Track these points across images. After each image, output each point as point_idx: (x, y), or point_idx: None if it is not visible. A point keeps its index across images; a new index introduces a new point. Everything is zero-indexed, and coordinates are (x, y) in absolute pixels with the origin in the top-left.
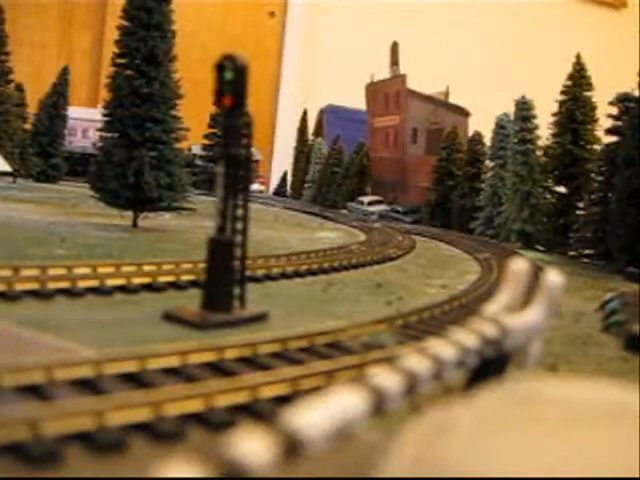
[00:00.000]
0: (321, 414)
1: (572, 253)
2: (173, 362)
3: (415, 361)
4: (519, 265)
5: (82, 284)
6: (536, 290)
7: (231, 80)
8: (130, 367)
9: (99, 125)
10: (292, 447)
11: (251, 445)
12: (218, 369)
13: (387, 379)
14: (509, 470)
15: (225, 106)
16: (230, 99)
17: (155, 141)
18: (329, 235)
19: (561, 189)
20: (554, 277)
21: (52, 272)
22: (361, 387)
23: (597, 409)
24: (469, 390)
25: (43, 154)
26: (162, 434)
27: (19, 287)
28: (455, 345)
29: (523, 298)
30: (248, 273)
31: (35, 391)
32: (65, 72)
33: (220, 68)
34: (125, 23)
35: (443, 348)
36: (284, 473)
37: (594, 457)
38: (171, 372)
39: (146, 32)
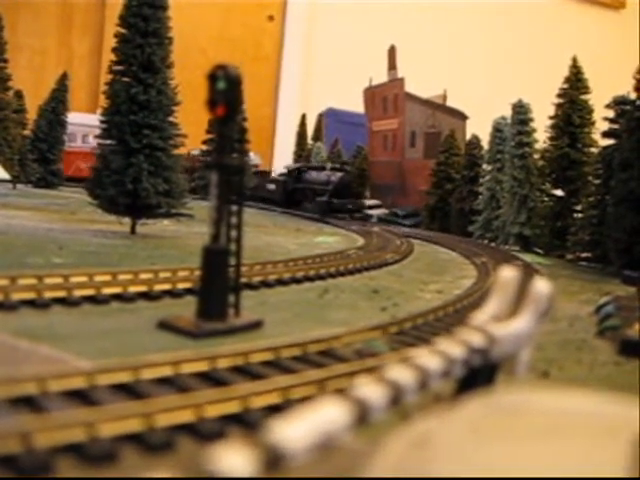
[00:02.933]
0: (303, 426)
1: (570, 256)
2: (166, 372)
3: (400, 371)
4: (507, 273)
5: (78, 293)
6: (525, 298)
7: (224, 90)
8: (123, 377)
9: (98, 131)
10: (274, 460)
11: (232, 458)
12: (210, 379)
13: (371, 390)
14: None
15: (218, 116)
16: (223, 109)
17: (152, 148)
18: (327, 240)
19: (559, 192)
20: (543, 285)
21: (49, 281)
22: (344, 399)
23: (582, 420)
24: (457, 400)
25: (43, 160)
26: (153, 445)
27: (16, 297)
28: (441, 355)
29: (512, 306)
30: (244, 280)
31: (28, 402)
32: (64, 78)
33: (213, 78)
34: (122, 30)
35: (428, 358)
36: None
37: (578, 468)
38: (164, 382)
39: (143, 39)
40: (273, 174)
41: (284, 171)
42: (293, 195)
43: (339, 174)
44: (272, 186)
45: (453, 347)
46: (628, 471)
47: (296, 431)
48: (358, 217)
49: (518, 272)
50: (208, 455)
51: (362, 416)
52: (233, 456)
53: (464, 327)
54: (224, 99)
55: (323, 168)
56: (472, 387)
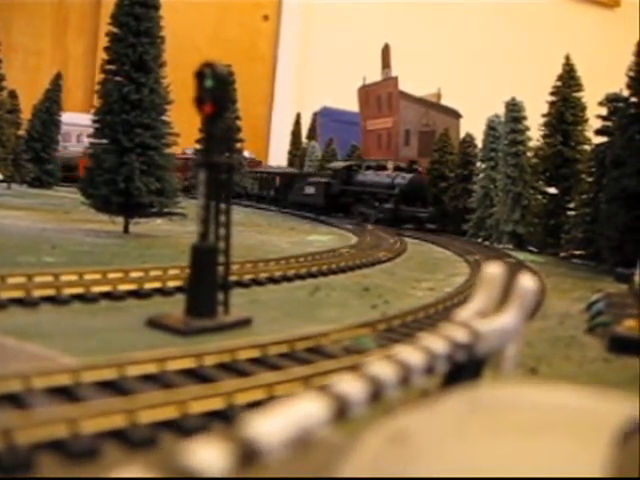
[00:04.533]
0: (280, 421)
1: (563, 254)
2: (151, 369)
3: (380, 367)
4: (492, 269)
5: (68, 291)
6: (510, 294)
7: (211, 88)
8: (108, 375)
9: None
10: (249, 455)
11: (206, 453)
12: (196, 376)
13: (350, 385)
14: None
15: (206, 114)
16: (210, 107)
17: (145, 147)
18: (321, 238)
19: (552, 190)
20: (527, 281)
21: (38, 279)
22: (323, 394)
23: (560, 416)
24: (440, 395)
25: (37, 160)
26: (135, 441)
27: (5, 295)
28: (423, 350)
29: (497, 302)
30: (236, 278)
31: (13, 400)
32: (58, 78)
33: (200, 76)
34: (114, 30)
35: (410, 353)
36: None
37: (561, 466)
38: (149, 379)
39: (135, 39)
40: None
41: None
42: (338, 199)
43: (407, 175)
44: (310, 189)
45: (436, 342)
46: (609, 467)
47: (272, 426)
48: (430, 229)
49: (503, 268)
50: (182, 450)
51: (341, 411)
52: (207, 451)
53: (448, 323)
54: (212, 97)
55: (384, 167)
56: (457, 382)
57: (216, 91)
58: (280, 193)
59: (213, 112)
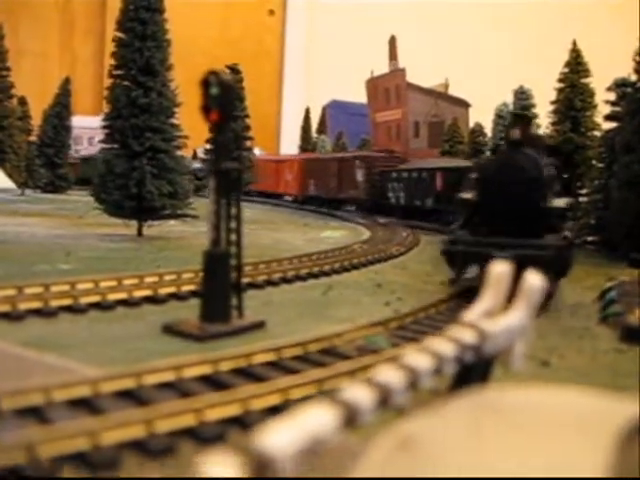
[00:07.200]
0: (291, 431)
1: (576, 241)
2: (169, 377)
3: (388, 372)
4: (499, 268)
5: (85, 300)
6: (517, 292)
7: (217, 95)
8: (127, 384)
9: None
10: (261, 466)
11: (219, 466)
12: (213, 382)
13: (358, 392)
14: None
15: (212, 121)
16: (217, 114)
17: (155, 150)
18: (334, 234)
19: (563, 176)
20: (534, 279)
21: (55, 289)
22: (332, 402)
23: (569, 417)
24: (448, 397)
25: (49, 165)
26: (154, 450)
27: (23, 306)
28: (431, 353)
29: (504, 301)
30: (249, 280)
31: (34, 413)
32: (67, 83)
33: (205, 84)
34: (120, 35)
35: (418, 357)
36: None
37: (565, 467)
38: (167, 387)
39: (141, 43)
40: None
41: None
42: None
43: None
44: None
45: (444, 344)
46: (609, 468)
47: (283, 436)
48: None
49: (510, 266)
50: (196, 464)
51: (350, 419)
52: (220, 464)
53: (455, 324)
54: (218, 105)
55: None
56: (466, 384)
57: (222, 98)
58: (444, 202)
59: (219, 119)
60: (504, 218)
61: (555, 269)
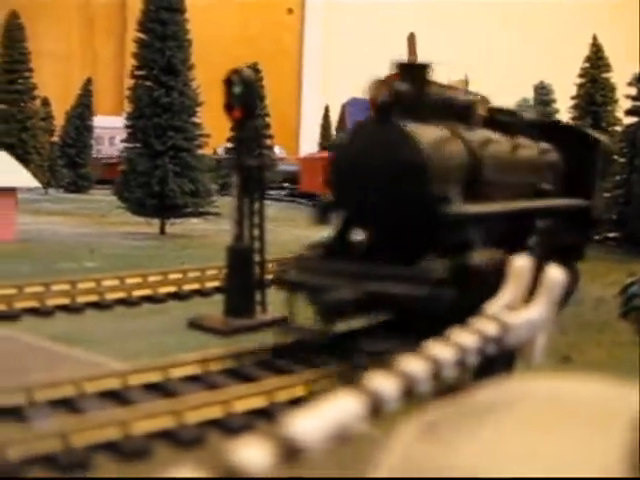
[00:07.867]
0: (319, 419)
1: (597, 237)
2: (195, 370)
3: (412, 362)
4: (521, 261)
5: (110, 296)
6: (539, 286)
7: (240, 93)
8: (154, 377)
9: (125, 133)
10: (290, 453)
11: (249, 452)
12: (238, 375)
13: (384, 382)
14: (498, 470)
15: (235, 119)
16: (240, 112)
17: (177, 149)
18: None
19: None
20: (555, 272)
21: (81, 286)
22: (358, 390)
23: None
24: (471, 388)
25: (72, 165)
26: (183, 441)
27: (50, 303)
28: (454, 345)
29: (526, 294)
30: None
31: (67, 404)
32: (88, 83)
33: (228, 82)
34: (141, 36)
35: (441, 348)
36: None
37: (585, 458)
38: (193, 380)
39: (162, 43)
40: None
41: None
42: None
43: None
44: None
45: (466, 337)
46: (626, 459)
47: (311, 423)
48: None
49: (531, 260)
50: (226, 450)
51: (376, 408)
52: (250, 450)
53: (478, 317)
54: (240, 102)
55: None
56: (489, 375)
57: (244, 96)
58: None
59: (242, 117)
60: (363, 227)
61: (426, 319)
